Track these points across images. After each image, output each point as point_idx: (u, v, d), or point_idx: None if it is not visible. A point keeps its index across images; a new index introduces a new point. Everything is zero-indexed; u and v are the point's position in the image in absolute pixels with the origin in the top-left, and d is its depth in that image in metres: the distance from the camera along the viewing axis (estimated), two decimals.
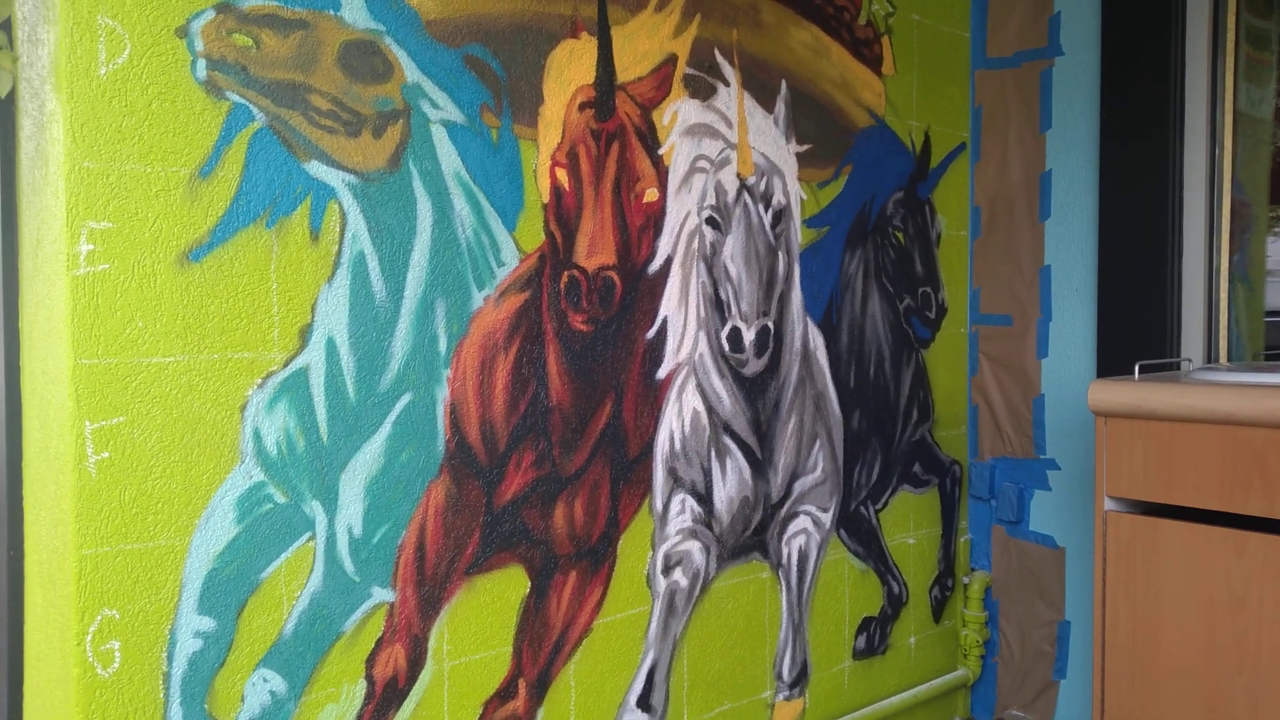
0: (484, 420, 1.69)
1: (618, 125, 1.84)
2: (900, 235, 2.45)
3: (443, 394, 1.63)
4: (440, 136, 1.62)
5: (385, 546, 1.58)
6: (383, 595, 1.58)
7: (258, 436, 1.44)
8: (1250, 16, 2.33)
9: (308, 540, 1.50)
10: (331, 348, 1.51)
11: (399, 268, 1.58)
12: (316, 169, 1.49)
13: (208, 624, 1.40)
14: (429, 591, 1.63)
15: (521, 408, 1.73)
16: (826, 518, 2.29)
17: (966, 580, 2.65)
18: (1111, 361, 2.37)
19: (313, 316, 1.49)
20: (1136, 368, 1.96)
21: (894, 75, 2.41)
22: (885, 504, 2.44)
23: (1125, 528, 1.84)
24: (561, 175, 1.77)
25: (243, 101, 1.42)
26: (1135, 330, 2.34)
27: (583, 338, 1.81)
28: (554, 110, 1.76)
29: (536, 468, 1.76)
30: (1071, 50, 2.45)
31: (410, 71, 1.58)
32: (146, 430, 1.35)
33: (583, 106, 1.80)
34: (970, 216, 2.65)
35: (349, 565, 1.54)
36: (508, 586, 1.73)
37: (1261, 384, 1.71)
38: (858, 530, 2.37)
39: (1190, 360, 2.24)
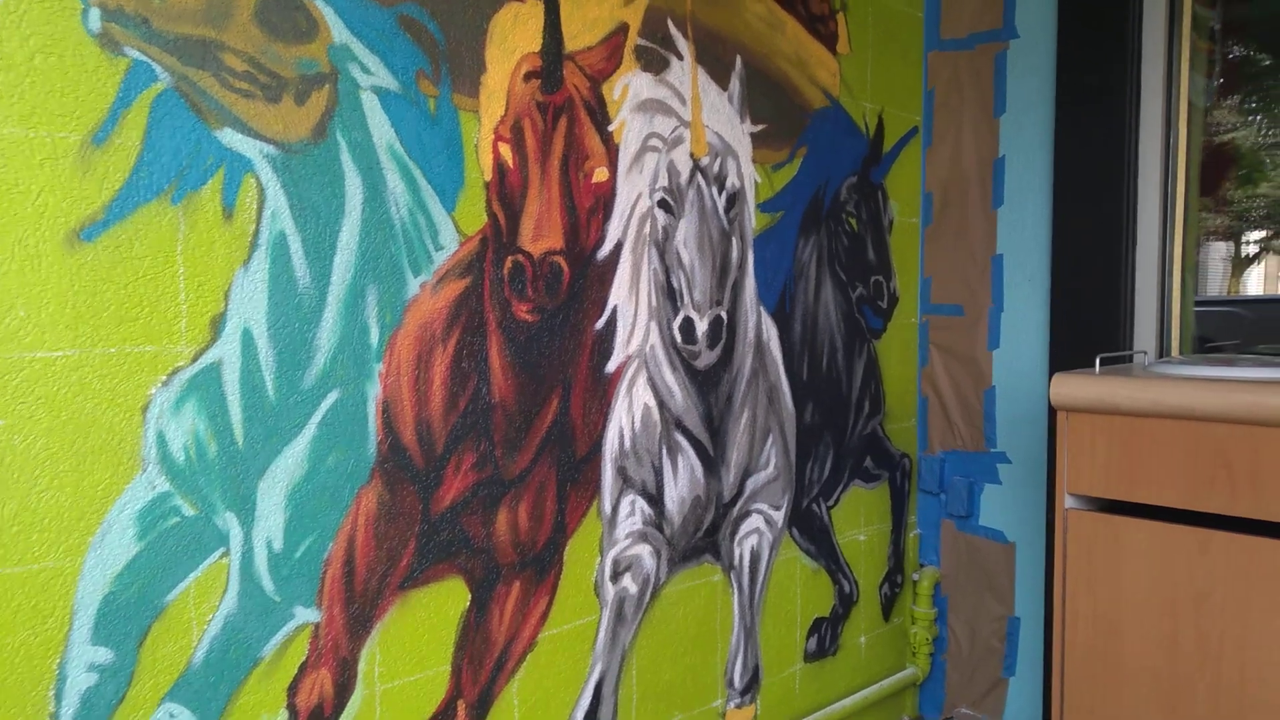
0: (420, 419, 1.55)
1: (565, 98, 1.71)
2: (854, 221, 2.36)
3: (374, 391, 1.49)
4: (371, 105, 1.47)
5: (309, 561, 1.44)
6: (306, 615, 1.44)
7: (162, 441, 1.30)
8: (1197, 5, 2.29)
9: (220, 557, 1.36)
10: (248, 340, 1.37)
11: (325, 250, 1.44)
12: (230, 138, 1.34)
13: (104, 655, 1.26)
14: (359, 609, 1.50)
15: (461, 405, 1.60)
16: (779, 516, 2.20)
17: (916, 576, 2.59)
18: (1064, 353, 2.33)
19: (226, 305, 1.35)
20: (1097, 361, 1.90)
21: (849, 54, 2.31)
22: (837, 500, 2.37)
23: (1087, 526, 1.80)
24: (505, 151, 1.63)
25: (144, 59, 1.27)
26: (1088, 321, 2.30)
27: (528, 328, 1.68)
28: (497, 80, 1.62)
29: (477, 470, 1.63)
30: (1027, 33, 2.39)
31: (337, 31, 1.43)
32: (30, 435, 1.21)
33: (528, 76, 1.66)
34: (922, 203, 2.58)
35: (268, 583, 1.40)
36: (446, 600, 1.61)
37: (1227, 378, 1.67)
38: (809, 528, 2.29)
39: (1145, 352, 2.21)
